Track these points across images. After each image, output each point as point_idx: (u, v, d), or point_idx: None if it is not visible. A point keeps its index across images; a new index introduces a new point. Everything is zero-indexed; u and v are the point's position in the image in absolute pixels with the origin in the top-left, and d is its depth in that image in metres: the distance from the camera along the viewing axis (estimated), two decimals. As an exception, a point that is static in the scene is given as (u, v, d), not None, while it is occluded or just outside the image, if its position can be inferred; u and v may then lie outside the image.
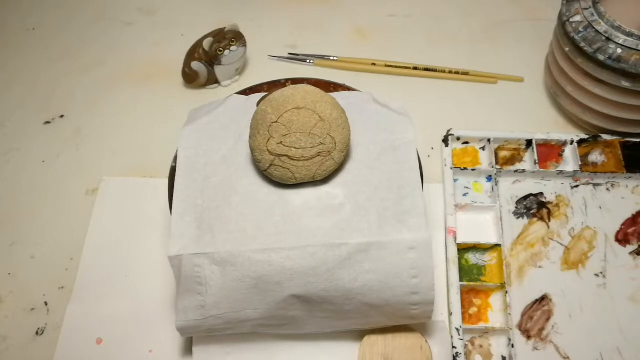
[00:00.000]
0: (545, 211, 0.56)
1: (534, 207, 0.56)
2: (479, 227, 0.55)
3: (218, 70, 0.64)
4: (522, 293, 0.51)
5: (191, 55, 0.63)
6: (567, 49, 0.56)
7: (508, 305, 0.49)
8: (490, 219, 0.55)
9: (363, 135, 0.48)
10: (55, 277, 0.53)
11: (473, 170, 0.57)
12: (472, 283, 0.51)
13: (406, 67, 0.67)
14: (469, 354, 0.48)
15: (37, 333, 0.50)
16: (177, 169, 0.47)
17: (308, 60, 0.69)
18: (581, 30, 0.54)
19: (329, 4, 0.75)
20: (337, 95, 0.51)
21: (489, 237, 0.54)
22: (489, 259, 0.53)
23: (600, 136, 0.59)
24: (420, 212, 0.44)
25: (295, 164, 0.44)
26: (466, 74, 0.67)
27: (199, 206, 0.45)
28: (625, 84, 0.53)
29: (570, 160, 0.59)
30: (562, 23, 0.56)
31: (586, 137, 0.59)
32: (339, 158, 0.45)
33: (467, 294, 0.51)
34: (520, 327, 0.50)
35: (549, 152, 0.59)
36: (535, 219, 0.55)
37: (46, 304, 0.52)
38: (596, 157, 0.59)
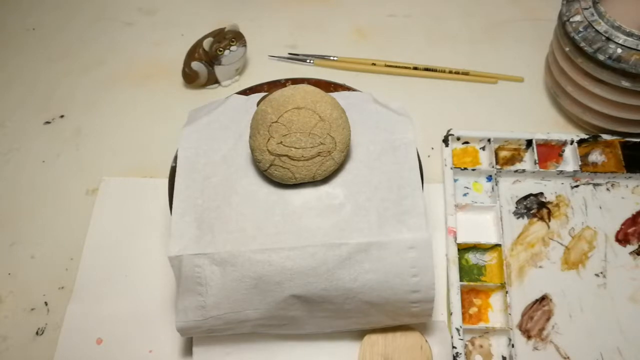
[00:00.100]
0: (545, 211, 0.56)
1: (534, 207, 0.56)
2: (479, 227, 0.55)
3: (218, 70, 0.64)
4: (522, 293, 0.51)
5: (191, 55, 0.63)
6: (567, 49, 0.56)
7: (508, 305, 0.49)
8: (490, 219, 0.55)
9: (363, 135, 0.48)
10: (55, 277, 0.53)
11: (473, 170, 0.57)
12: (472, 283, 0.51)
13: (406, 67, 0.67)
14: (469, 354, 0.48)
15: (37, 333, 0.50)
16: (177, 169, 0.47)
17: (308, 60, 0.69)
18: (581, 30, 0.54)
19: (329, 4, 0.75)
20: (337, 95, 0.51)
21: (489, 237, 0.54)
22: (489, 259, 0.53)
23: (600, 136, 0.59)
24: (420, 211, 0.44)
25: (295, 164, 0.44)
26: (466, 74, 0.67)
27: (199, 206, 0.45)
28: (625, 83, 0.53)
29: (570, 160, 0.59)
30: (562, 23, 0.56)
31: (586, 137, 0.59)
32: (339, 158, 0.45)
33: (467, 294, 0.51)
34: (520, 327, 0.50)
35: (549, 152, 0.59)
36: (535, 219, 0.55)
37: (46, 304, 0.52)
38: (596, 157, 0.59)
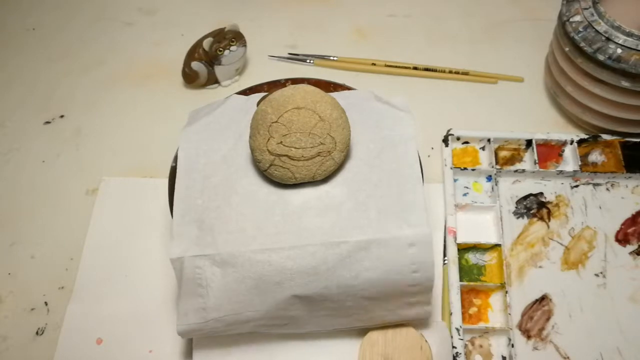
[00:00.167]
0: (545, 211, 0.56)
1: (534, 207, 0.56)
2: (479, 227, 0.55)
3: (218, 70, 0.64)
4: (522, 293, 0.51)
5: (191, 55, 0.63)
6: (567, 49, 0.56)
7: (508, 305, 0.49)
8: (490, 218, 0.55)
9: (363, 134, 0.48)
10: (55, 277, 0.53)
11: (473, 170, 0.57)
12: (472, 283, 0.51)
13: (406, 67, 0.67)
14: (469, 354, 0.48)
15: (37, 333, 0.50)
16: (177, 169, 0.47)
17: (308, 60, 0.69)
18: (581, 30, 0.54)
19: (329, 4, 0.75)
20: (337, 95, 0.51)
21: (489, 237, 0.54)
22: (489, 258, 0.53)
23: (600, 136, 0.59)
24: (420, 208, 0.44)
25: (295, 164, 0.44)
26: (466, 74, 0.67)
27: (199, 206, 0.45)
28: (625, 84, 0.53)
29: (570, 160, 0.59)
30: (562, 23, 0.56)
31: (586, 137, 0.59)
32: (339, 158, 0.45)
33: (467, 294, 0.51)
34: (520, 327, 0.50)
35: (549, 152, 0.59)
36: (535, 219, 0.55)
37: (46, 304, 0.52)
38: (596, 157, 0.59)
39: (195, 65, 0.63)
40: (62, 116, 0.65)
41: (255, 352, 0.47)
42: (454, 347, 0.48)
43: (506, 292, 0.50)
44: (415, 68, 0.67)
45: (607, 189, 0.57)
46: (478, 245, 0.53)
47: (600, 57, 0.52)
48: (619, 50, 0.52)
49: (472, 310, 0.50)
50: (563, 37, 0.56)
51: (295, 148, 0.44)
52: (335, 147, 0.44)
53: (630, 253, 0.53)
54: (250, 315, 0.43)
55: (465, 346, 0.49)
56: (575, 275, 0.52)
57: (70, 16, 0.75)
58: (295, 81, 0.55)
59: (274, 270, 0.42)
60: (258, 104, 0.48)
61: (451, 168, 0.57)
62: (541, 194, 0.57)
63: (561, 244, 0.54)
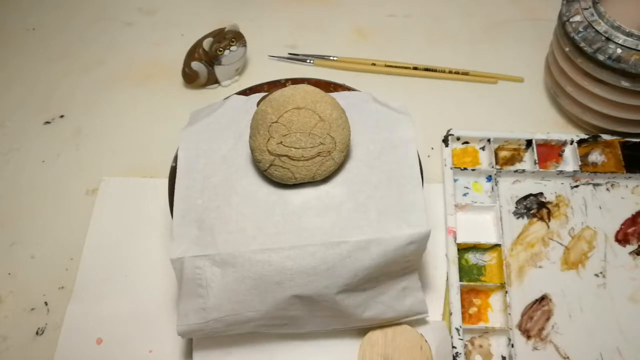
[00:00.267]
0: (545, 211, 0.56)
1: (534, 207, 0.56)
2: (479, 227, 0.55)
3: (218, 70, 0.64)
4: (522, 293, 0.51)
5: (191, 55, 0.63)
6: (567, 49, 0.56)
7: (508, 305, 0.49)
8: (490, 219, 0.55)
9: (363, 135, 0.48)
10: (55, 277, 0.53)
11: (473, 170, 0.57)
12: (472, 283, 0.51)
13: (406, 67, 0.67)
14: (468, 354, 0.48)
15: (37, 333, 0.50)
16: (178, 169, 0.47)
17: (308, 60, 0.69)
18: (581, 30, 0.54)
19: (329, 4, 0.75)
20: (337, 95, 0.51)
21: (489, 237, 0.54)
22: (488, 259, 0.53)
23: (600, 136, 0.59)
24: (420, 208, 0.44)
25: (295, 164, 0.44)
26: (466, 74, 0.67)
27: (199, 206, 0.45)
28: (625, 84, 0.53)
29: (570, 160, 0.59)
30: (562, 23, 0.56)
31: (586, 137, 0.59)
32: (339, 158, 0.45)
33: (467, 294, 0.51)
34: (520, 327, 0.50)
35: (549, 152, 0.59)
36: (535, 219, 0.55)
37: (46, 304, 0.52)
38: (596, 157, 0.59)
39: (195, 65, 0.63)
40: (62, 116, 0.65)
41: (255, 352, 0.48)
42: (453, 347, 0.48)
43: (506, 292, 0.50)
44: (415, 68, 0.67)
45: (607, 189, 0.57)
46: (478, 246, 0.53)
47: (600, 57, 0.52)
48: (619, 50, 0.52)
49: (472, 310, 0.50)
50: (563, 37, 0.56)
51: (295, 148, 0.44)
52: (335, 147, 0.44)
53: (630, 253, 0.53)
54: (250, 315, 0.43)
55: (465, 346, 0.49)
56: (575, 275, 0.52)
57: (70, 16, 0.75)
58: (295, 81, 0.55)
59: (274, 270, 0.42)
60: (258, 104, 0.48)
61: (451, 168, 0.57)
62: (541, 194, 0.57)
63: (561, 244, 0.54)
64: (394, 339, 0.47)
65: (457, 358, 0.47)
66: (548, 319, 0.50)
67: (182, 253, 0.43)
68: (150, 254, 0.54)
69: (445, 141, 0.59)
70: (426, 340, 0.47)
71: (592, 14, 0.54)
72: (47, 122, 0.64)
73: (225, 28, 0.63)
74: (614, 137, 0.59)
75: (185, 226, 0.44)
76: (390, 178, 0.46)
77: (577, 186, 0.57)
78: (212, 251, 0.43)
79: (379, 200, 0.45)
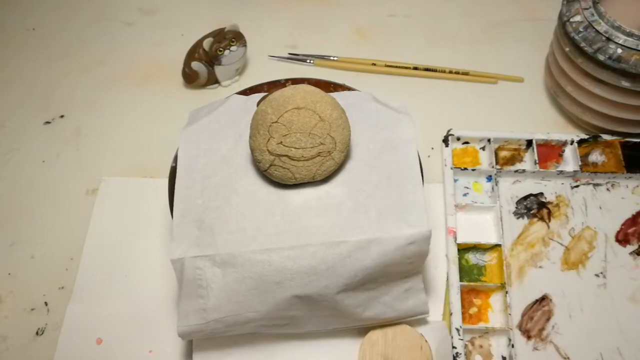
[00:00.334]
0: (545, 211, 0.56)
1: (534, 207, 0.56)
2: (479, 227, 0.55)
3: (218, 70, 0.64)
4: (522, 293, 0.51)
5: (191, 55, 0.63)
6: (567, 49, 0.56)
7: (508, 306, 0.49)
8: (490, 219, 0.55)
9: (363, 134, 0.48)
10: (55, 277, 0.53)
11: (473, 170, 0.57)
12: (472, 283, 0.51)
13: (406, 67, 0.67)
14: (469, 354, 0.48)
15: (37, 333, 0.50)
16: (178, 169, 0.47)
17: (308, 60, 0.69)
18: (581, 30, 0.54)
19: (329, 4, 0.75)
20: (337, 95, 0.51)
21: (489, 237, 0.54)
22: (489, 259, 0.53)
23: (600, 136, 0.59)
24: (420, 208, 0.44)
25: (295, 164, 0.44)
26: (466, 74, 0.67)
27: (199, 206, 0.45)
28: (625, 84, 0.53)
29: (570, 161, 0.59)
30: (562, 23, 0.56)
31: (586, 137, 0.59)
32: (339, 158, 0.45)
33: (467, 294, 0.51)
34: (520, 327, 0.50)
35: (549, 152, 0.59)
36: (535, 219, 0.55)
37: (46, 304, 0.52)
38: (596, 157, 0.59)
39: (196, 65, 0.63)
40: (62, 116, 0.65)
41: (255, 353, 0.47)
42: (454, 347, 0.48)
43: (506, 292, 0.50)
44: (415, 68, 0.67)
45: (608, 189, 0.57)
46: (478, 246, 0.53)
47: (601, 57, 0.52)
48: (619, 50, 0.52)
49: (472, 310, 0.50)
50: (563, 37, 0.56)
51: (295, 148, 0.44)
52: (335, 147, 0.44)
53: (631, 253, 0.53)
54: (250, 315, 0.43)
55: (465, 346, 0.49)
56: (575, 276, 0.52)
57: (70, 16, 0.75)
58: (296, 81, 0.55)
59: (274, 270, 0.42)
60: (258, 104, 0.48)
61: (451, 168, 0.57)
62: (541, 194, 0.57)
63: (561, 244, 0.54)
64: (394, 338, 0.47)
65: (457, 358, 0.47)
66: (548, 319, 0.50)
67: (182, 253, 0.43)
68: (150, 254, 0.54)
69: (446, 141, 0.59)
70: (426, 340, 0.47)
71: (593, 14, 0.54)
72: (47, 122, 0.64)
73: (225, 28, 0.63)
74: (614, 137, 0.59)
75: (185, 226, 0.44)
76: (390, 177, 0.46)
77: (577, 186, 0.57)
78: (212, 251, 0.43)
79: (379, 200, 0.45)
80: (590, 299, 0.51)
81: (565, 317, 0.50)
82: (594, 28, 0.53)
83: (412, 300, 0.46)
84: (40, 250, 0.55)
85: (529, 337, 0.49)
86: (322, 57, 0.69)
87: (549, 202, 0.56)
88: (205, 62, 0.63)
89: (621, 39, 0.52)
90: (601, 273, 0.52)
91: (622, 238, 0.54)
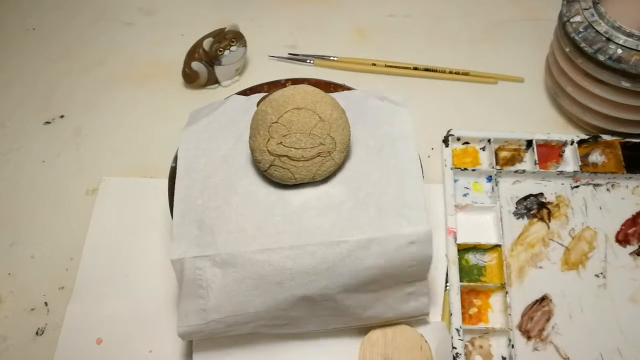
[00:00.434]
0: (545, 211, 0.56)
1: (534, 208, 0.56)
2: (479, 228, 0.55)
3: (218, 70, 0.64)
4: (522, 293, 0.51)
5: (191, 55, 0.63)
6: (567, 50, 0.56)
7: (508, 306, 0.49)
8: (490, 219, 0.55)
9: (362, 132, 0.48)
10: (55, 277, 0.53)
11: (473, 170, 0.57)
12: (472, 283, 0.51)
13: (406, 67, 0.67)
14: (469, 355, 0.48)
15: (37, 333, 0.50)
16: (178, 169, 0.47)
17: (308, 61, 0.69)
18: (581, 30, 0.54)
19: (329, 4, 0.75)
20: (337, 96, 0.51)
21: (489, 237, 0.54)
22: (489, 259, 0.53)
23: (600, 136, 0.59)
24: (420, 204, 0.44)
25: (295, 165, 0.44)
26: (466, 74, 0.67)
27: (199, 206, 0.45)
28: (625, 84, 0.53)
29: (570, 161, 0.59)
30: (563, 23, 0.56)
31: (586, 137, 0.59)
32: (339, 158, 0.45)
33: (467, 295, 0.51)
34: (520, 327, 0.50)
35: (549, 152, 0.59)
36: (535, 220, 0.55)
37: (46, 304, 0.52)
38: (596, 157, 0.59)
39: (196, 65, 0.63)
40: (62, 116, 0.65)
41: (255, 353, 0.47)
42: (453, 347, 0.48)
43: (506, 292, 0.50)
44: (415, 68, 0.67)
45: (608, 190, 0.57)
46: (478, 246, 0.53)
47: (601, 58, 0.52)
48: (620, 51, 0.52)
49: (472, 310, 0.50)
50: (563, 38, 0.56)
51: (295, 148, 0.44)
52: (335, 147, 0.44)
53: (631, 254, 0.53)
54: (250, 315, 0.43)
55: (465, 347, 0.49)
56: (575, 276, 0.52)
57: (70, 16, 0.75)
58: (296, 81, 0.55)
59: (274, 270, 0.42)
60: (258, 104, 0.48)
61: (451, 168, 0.57)
62: (541, 194, 0.57)
63: (561, 245, 0.54)
64: (394, 339, 0.47)
65: (457, 358, 0.47)
66: (548, 319, 0.50)
67: (182, 253, 0.43)
68: (150, 254, 0.54)
69: (446, 141, 0.59)
70: (426, 341, 0.47)
71: (593, 15, 0.54)
72: (47, 122, 0.64)
73: (225, 28, 0.63)
74: (614, 138, 0.59)
75: (185, 226, 0.44)
76: (390, 174, 0.46)
77: (577, 186, 0.57)
78: (212, 251, 0.43)
79: (379, 197, 0.45)
80: (590, 300, 0.51)
81: (565, 317, 0.50)
82: (594, 28, 0.53)
83: (414, 302, 0.46)
84: (40, 250, 0.55)
85: (529, 338, 0.49)
86: (322, 57, 0.69)
87: (549, 203, 0.56)
88: (205, 62, 0.63)
89: (621, 39, 0.52)
90: (601, 273, 0.52)
91: (622, 238, 0.54)
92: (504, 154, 0.59)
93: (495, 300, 0.51)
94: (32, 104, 0.66)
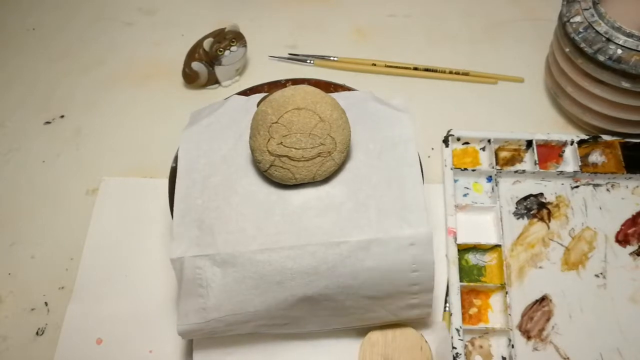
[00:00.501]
0: (545, 212, 0.56)
1: (534, 208, 0.56)
2: (479, 228, 0.55)
3: (218, 70, 0.64)
4: (522, 293, 0.51)
5: (191, 55, 0.63)
6: (567, 50, 0.56)
7: (508, 306, 0.49)
8: (490, 219, 0.55)
9: (363, 134, 0.48)
10: (55, 277, 0.53)
11: (473, 170, 0.57)
12: (472, 283, 0.51)
13: (406, 68, 0.67)
14: (469, 355, 0.48)
15: (37, 333, 0.50)
16: (178, 169, 0.47)
17: (308, 61, 0.69)
18: (581, 30, 0.54)
19: (329, 4, 0.75)
20: (337, 96, 0.51)
21: (489, 237, 0.54)
22: (489, 259, 0.53)
23: (600, 137, 0.59)
24: (420, 207, 0.44)
25: (296, 165, 0.44)
26: (466, 74, 0.67)
27: (199, 206, 0.45)
28: (625, 84, 0.53)
29: (570, 161, 0.59)
30: (563, 24, 0.56)
31: (586, 137, 0.59)
32: (339, 159, 0.45)
33: (467, 295, 0.51)
34: (520, 327, 0.50)
35: (549, 152, 0.59)
36: (535, 220, 0.55)
37: (46, 304, 0.52)
38: (596, 157, 0.59)
39: (196, 65, 0.63)
40: (62, 116, 0.65)
41: (255, 352, 0.47)
42: (453, 347, 0.48)
43: (506, 292, 0.50)
44: (415, 68, 0.67)
45: (608, 190, 0.57)
46: (478, 246, 0.53)
47: (601, 58, 0.52)
48: (620, 51, 0.52)
49: (472, 310, 0.50)
50: (563, 38, 0.56)
51: (296, 149, 0.44)
52: (336, 147, 0.44)
53: (631, 254, 0.53)
54: (250, 315, 0.43)
55: (465, 347, 0.49)
56: (575, 276, 0.52)
57: (70, 16, 0.75)
58: (296, 81, 0.55)
59: (274, 270, 0.42)
60: (258, 104, 0.48)
61: (451, 169, 0.57)
62: (541, 194, 0.57)
63: (561, 245, 0.54)
64: (394, 339, 0.47)
65: (457, 358, 0.47)
66: (548, 319, 0.50)
67: (182, 253, 0.43)
68: (150, 254, 0.54)
69: (446, 141, 0.59)
70: (426, 341, 0.47)
71: (593, 15, 0.54)
72: (47, 122, 0.64)
73: (225, 28, 0.63)
74: (614, 138, 0.59)
75: (185, 226, 0.44)
76: (390, 176, 0.46)
77: (577, 187, 0.57)
78: (212, 251, 0.43)
79: (379, 199, 0.44)
80: (590, 300, 0.51)
81: (565, 317, 0.50)
82: (594, 29, 0.53)
83: (416, 310, 0.45)
84: (40, 250, 0.55)
85: (529, 338, 0.49)
86: (322, 58, 0.69)
87: (549, 203, 0.56)
88: (206, 62, 0.63)
89: (621, 39, 0.52)
90: (601, 273, 0.52)
91: (622, 238, 0.54)
92: (504, 154, 0.59)
93: (495, 300, 0.51)
94: (32, 104, 0.66)
